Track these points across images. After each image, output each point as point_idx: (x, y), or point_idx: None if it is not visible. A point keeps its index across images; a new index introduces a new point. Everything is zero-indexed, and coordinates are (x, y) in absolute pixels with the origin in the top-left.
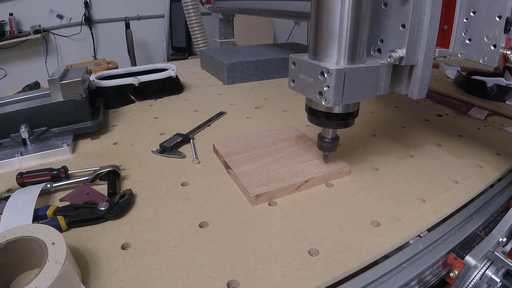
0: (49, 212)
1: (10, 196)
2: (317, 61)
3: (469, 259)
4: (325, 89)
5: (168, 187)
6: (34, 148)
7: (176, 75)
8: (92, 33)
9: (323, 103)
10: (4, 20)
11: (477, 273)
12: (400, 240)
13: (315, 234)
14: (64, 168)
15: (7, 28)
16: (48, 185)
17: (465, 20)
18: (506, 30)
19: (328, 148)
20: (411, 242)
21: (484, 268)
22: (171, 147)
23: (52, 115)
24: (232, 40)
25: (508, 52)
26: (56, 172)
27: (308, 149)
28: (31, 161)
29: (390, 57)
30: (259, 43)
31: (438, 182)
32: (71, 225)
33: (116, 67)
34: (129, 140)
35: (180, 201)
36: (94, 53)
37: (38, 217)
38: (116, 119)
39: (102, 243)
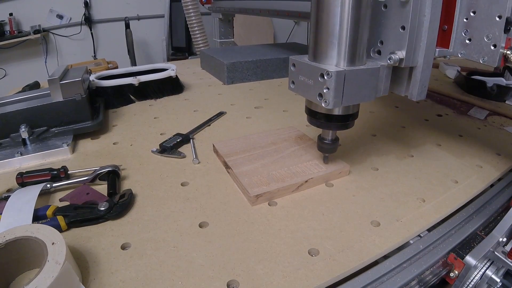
0: (49, 212)
1: (10, 196)
2: (317, 63)
3: (469, 259)
4: (325, 91)
5: (168, 187)
6: (34, 148)
7: (176, 75)
8: (92, 33)
9: (323, 105)
10: (4, 20)
11: (477, 273)
12: (400, 240)
13: (315, 234)
14: (64, 168)
15: (7, 28)
16: (48, 185)
17: (465, 20)
18: (506, 30)
19: (328, 150)
20: (411, 242)
21: (484, 268)
22: (171, 147)
23: (52, 115)
24: (232, 40)
25: (508, 52)
26: (56, 172)
27: (308, 149)
28: (31, 161)
29: (390, 59)
30: (259, 43)
31: (438, 182)
32: (71, 225)
33: (116, 67)
34: (129, 140)
35: (180, 201)
36: (94, 53)
37: (38, 217)
38: (116, 119)
39: (102, 243)
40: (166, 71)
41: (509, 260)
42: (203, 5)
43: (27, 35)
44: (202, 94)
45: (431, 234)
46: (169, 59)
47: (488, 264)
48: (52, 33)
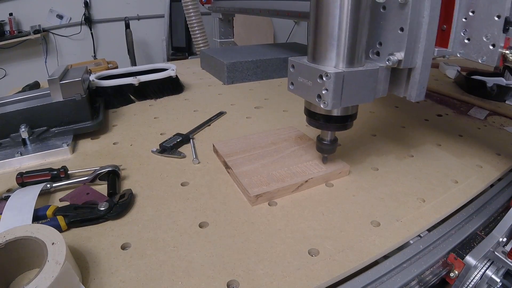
0: (49, 212)
1: (10, 196)
2: (316, 64)
3: (469, 259)
4: (323, 92)
5: (168, 187)
6: (34, 148)
7: (176, 75)
8: (92, 33)
9: (321, 106)
10: (4, 20)
11: (477, 273)
12: (400, 240)
13: (315, 234)
14: (64, 168)
15: (7, 28)
16: (48, 185)
17: (464, 20)
18: (505, 30)
19: (327, 150)
20: (411, 242)
21: (484, 268)
22: (171, 147)
23: (52, 115)
24: (232, 40)
25: (507, 51)
26: (56, 172)
27: (308, 149)
28: (31, 161)
29: (388, 60)
30: (259, 43)
31: (438, 182)
32: (71, 225)
33: (116, 67)
34: (129, 140)
35: (180, 201)
36: (94, 53)
37: (38, 217)
38: (116, 119)
39: (102, 243)
40: (166, 71)
41: (509, 260)
42: (203, 5)
43: (27, 35)
44: (202, 94)
45: (431, 234)
46: (169, 59)
47: (488, 264)
48: (52, 33)
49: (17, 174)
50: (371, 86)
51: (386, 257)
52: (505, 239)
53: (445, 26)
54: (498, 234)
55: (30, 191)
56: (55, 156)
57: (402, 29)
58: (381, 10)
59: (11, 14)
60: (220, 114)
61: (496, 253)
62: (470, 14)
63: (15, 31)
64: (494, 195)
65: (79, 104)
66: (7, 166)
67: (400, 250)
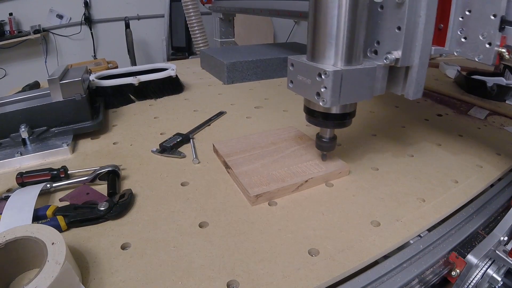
0: (49, 212)
1: (10, 196)
2: (314, 62)
3: (470, 257)
4: (322, 90)
5: (168, 187)
6: (34, 148)
7: (176, 75)
8: (92, 33)
9: (320, 103)
10: (4, 20)
11: (479, 272)
12: (400, 240)
13: (315, 234)
14: (64, 168)
15: (7, 28)
16: (48, 185)
17: (460, 19)
18: (501, 29)
19: (326, 148)
20: (411, 242)
21: (486, 267)
22: (171, 147)
23: (52, 115)
24: (233, 39)
25: (503, 50)
26: (56, 172)
27: (308, 149)
28: (31, 161)
29: (386, 58)
30: (259, 43)
31: (438, 182)
32: (71, 225)
33: (116, 67)
34: (129, 140)
35: (180, 201)
36: (94, 53)
37: (38, 217)
38: (116, 119)
39: (102, 243)
40: (166, 71)
41: (510, 259)
42: (203, 5)
43: (27, 35)
44: (202, 94)
45: (431, 234)
46: (169, 59)
47: (490, 263)
48: (52, 33)
49: (17, 174)
50: (369, 84)
51: (386, 257)
52: (506, 238)
53: (442, 25)
54: (499, 233)
55: (30, 191)
56: (55, 156)
57: (399, 28)
58: (379, 9)
59: (11, 14)
60: (220, 114)
61: (497, 252)
62: (467, 13)
63: (15, 31)
64: (494, 195)
65: (79, 104)
66: (7, 166)
67: (400, 250)
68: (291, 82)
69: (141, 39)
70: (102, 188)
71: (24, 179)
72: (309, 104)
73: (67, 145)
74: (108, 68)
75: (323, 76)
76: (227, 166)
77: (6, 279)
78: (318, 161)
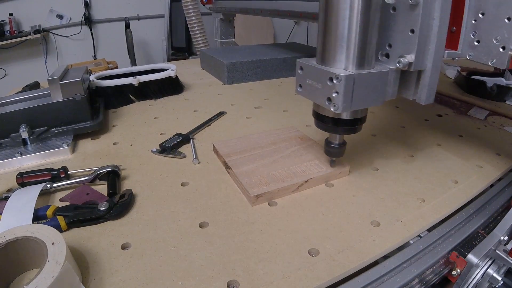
0: (49, 212)
1: (10, 196)
2: (325, 66)
3: (471, 257)
4: (334, 95)
5: (168, 187)
6: (34, 148)
7: (176, 75)
8: (92, 33)
9: (332, 109)
10: (4, 20)
11: (479, 271)
12: (400, 240)
13: (315, 234)
14: (64, 168)
15: (7, 28)
16: (48, 185)
17: (473, 21)
18: None
19: (335, 154)
20: (411, 242)
21: (486, 266)
22: (171, 147)
23: (52, 115)
24: (233, 40)
25: None
26: (56, 172)
27: (308, 149)
28: (31, 161)
29: (399, 62)
30: (259, 43)
31: (438, 182)
32: (71, 225)
33: (116, 67)
34: (129, 140)
35: (180, 201)
36: (94, 53)
37: (38, 217)
38: (116, 119)
39: (102, 243)
40: (166, 71)
41: (511, 258)
42: (203, 5)
43: (27, 35)
44: (202, 94)
45: (431, 234)
46: (169, 59)
47: (490, 262)
48: (52, 33)
49: (17, 174)
50: (381, 89)
51: (386, 257)
52: (506, 238)
53: (454, 28)
54: (500, 233)
55: (30, 191)
56: (55, 156)
57: (412, 31)
58: (391, 11)
59: (11, 14)
60: (220, 114)
61: (497, 251)
62: (480, 16)
63: (15, 31)
64: (494, 195)
65: (79, 104)
66: (7, 166)
67: (400, 250)
68: (300, 86)
69: (141, 39)
70: (102, 188)
71: (24, 179)
72: (319, 109)
73: (67, 145)
74: (108, 68)
75: (334, 81)
76: (227, 166)
77: (6, 279)
78: (318, 161)
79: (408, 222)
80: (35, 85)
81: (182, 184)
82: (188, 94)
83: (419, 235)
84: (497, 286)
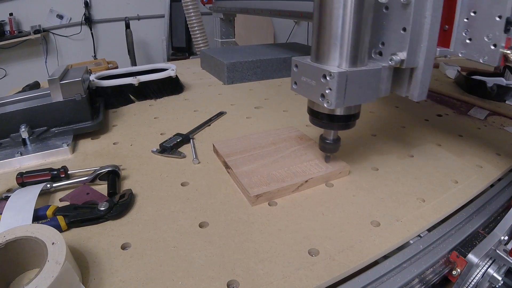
0: (49, 212)
1: (10, 196)
2: (319, 64)
3: (471, 257)
4: (327, 91)
5: (168, 187)
6: (34, 148)
7: (176, 75)
8: (92, 33)
9: (325, 105)
10: (4, 20)
11: (479, 271)
12: (400, 240)
13: (315, 234)
14: (64, 168)
15: (7, 28)
16: (48, 185)
17: (465, 20)
18: (506, 30)
19: (329, 149)
20: (411, 242)
21: (486, 266)
22: (171, 147)
23: (52, 115)
24: (233, 40)
25: (508, 51)
26: (56, 172)
27: (308, 149)
28: (31, 161)
29: (391, 60)
30: (259, 43)
31: (438, 182)
32: (71, 225)
33: (116, 67)
34: (129, 140)
35: (180, 201)
36: (94, 53)
37: (38, 217)
38: (116, 119)
39: (102, 243)
40: (166, 71)
41: (511, 258)
42: (204, 5)
43: (27, 35)
44: (202, 94)
45: (431, 234)
46: (169, 59)
47: (490, 262)
48: (52, 33)
49: (17, 174)
50: (374, 86)
51: (386, 257)
52: (506, 238)
53: (447, 26)
54: (500, 233)
55: (30, 191)
56: (55, 156)
57: (404, 29)
58: (384, 10)
59: (11, 14)
60: (220, 114)
61: (498, 251)
62: (472, 14)
63: (15, 31)
64: (494, 195)
65: (79, 104)
66: (7, 166)
67: (400, 250)
68: (295, 83)
69: (141, 39)
70: (102, 188)
71: (24, 179)
72: (313, 106)
73: (67, 145)
74: (108, 68)
75: (328, 78)
76: (227, 166)
77: (6, 279)
78: (318, 161)
79: (408, 222)
80: (35, 85)
81: (182, 184)
82: (188, 94)
83: (419, 235)
84: (497, 286)
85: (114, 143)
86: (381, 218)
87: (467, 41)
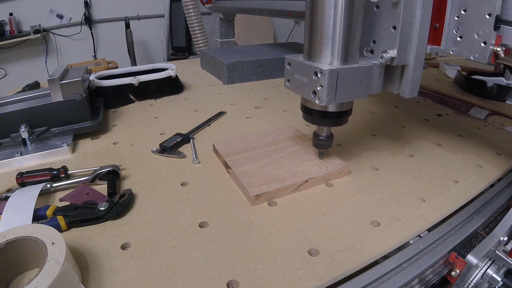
0: (49, 212)
1: (10, 196)
2: (311, 61)
3: (470, 257)
4: (318, 88)
5: (168, 187)
6: (34, 148)
7: (176, 75)
8: (92, 33)
9: (317, 102)
10: (4, 20)
11: (479, 272)
12: (400, 240)
13: (315, 234)
14: (64, 168)
15: (7, 28)
16: (48, 185)
17: (456, 18)
18: (496, 28)
19: (322, 146)
20: (411, 242)
21: (486, 267)
22: (171, 147)
23: (52, 115)
24: (233, 39)
25: (498, 48)
26: (56, 172)
27: (308, 149)
28: (31, 161)
29: (381, 57)
30: (259, 43)
31: (438, 182)
32: (71, 225)
33: (116, 67)
34: (129, 140)
35: (180, 201)
36: (94, 53)
37: (38, 217)
38: (116, 119)
39: (102, 243)
40: (166, 71)
41: (510, 259)
42: (203, 5)
43: (27, 35)
44: (202, 94)
45: (431, 234)
46: (169, 59)
47: (489, 263)
48: (52, 33)
49: (17, 174)
50: (365, 83)
51: (386, 257)
52: (506, 238)
53: (437, 24)
54: (499, 233)
55: (30, 191)
56: (55, 156)
57: (394, 28)
58: (375, 9)
59: (11, 14)
60: (220, 114)
61: (497, 252)
62: (462, 12)
63: (15, 31)
64: (495, 195)
65: (79, 104)
66: (7, 166)
67: (400, 250)
68: (288, 81)
69: (141, 39)
70: (102, 188)
71: (24, 179)
72: (306, 103)
73: (67, 145)
74: (108, 68)
75: (319, 75)
76: (227, 166)
77: (6, 279)
78: (318, 161)
79: (408, 222)
80: (35, 85)
81: (182, 184)
82: (188, 94)
83: (419, 235)
84: (496, 287)
85: (114, 143)
86: (381, 218)
87: (458, 38)
